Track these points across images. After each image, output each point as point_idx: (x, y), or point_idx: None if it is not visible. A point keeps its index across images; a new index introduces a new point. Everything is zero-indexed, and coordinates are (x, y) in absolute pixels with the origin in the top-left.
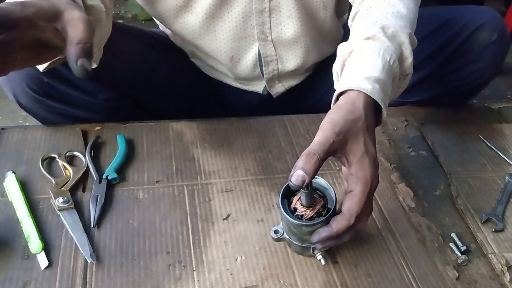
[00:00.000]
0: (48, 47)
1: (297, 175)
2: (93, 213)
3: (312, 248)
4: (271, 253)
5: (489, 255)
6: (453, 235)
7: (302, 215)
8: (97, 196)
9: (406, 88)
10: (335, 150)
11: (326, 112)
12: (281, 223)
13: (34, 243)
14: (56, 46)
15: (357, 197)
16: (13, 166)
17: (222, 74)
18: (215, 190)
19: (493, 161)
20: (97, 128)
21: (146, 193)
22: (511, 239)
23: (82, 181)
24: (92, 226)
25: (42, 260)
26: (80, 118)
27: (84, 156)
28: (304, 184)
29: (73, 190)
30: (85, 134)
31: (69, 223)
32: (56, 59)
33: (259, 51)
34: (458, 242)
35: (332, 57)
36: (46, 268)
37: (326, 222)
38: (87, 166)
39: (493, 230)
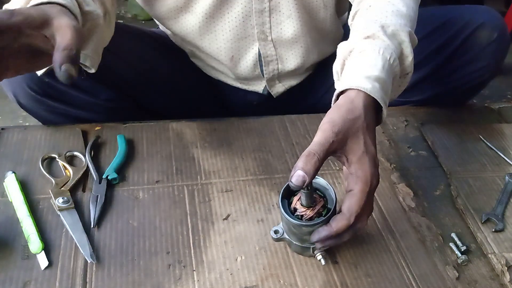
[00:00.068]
0: (40, 54)
1: (297, 176)
2: (93, 213)
3: (312, 248)
4: (271, 253)
5: (489, 255)
6: (453, 235)
7: (302, 215)
8: (97, 196)
9: (406, 87)
10: (335, 150)
11: (326, 112)
12: (281, 223)
13: (34, 243)
14: (48, 53)
15: (357, 196)
16: (13, 166)
17: (222, 74)
18: (215, 190)
19: (493, 161)
20: (97, 128)
21: (146, 193)
22: (511, 239)
23: (82, 181)
24: (92, 226)
25: (42, 260)
26: (80, 118)
27: (84, 156)
28: (305, 185)
29: (73, 190)
30: (85, 134)
31: (69, 223)
32: (50, 66)
33: (259, 51)
34: (458, 242)
35: (332, 57)
36: (46, 268)
37: (326, 222)
38: (87, 166)
39: (493, 230)
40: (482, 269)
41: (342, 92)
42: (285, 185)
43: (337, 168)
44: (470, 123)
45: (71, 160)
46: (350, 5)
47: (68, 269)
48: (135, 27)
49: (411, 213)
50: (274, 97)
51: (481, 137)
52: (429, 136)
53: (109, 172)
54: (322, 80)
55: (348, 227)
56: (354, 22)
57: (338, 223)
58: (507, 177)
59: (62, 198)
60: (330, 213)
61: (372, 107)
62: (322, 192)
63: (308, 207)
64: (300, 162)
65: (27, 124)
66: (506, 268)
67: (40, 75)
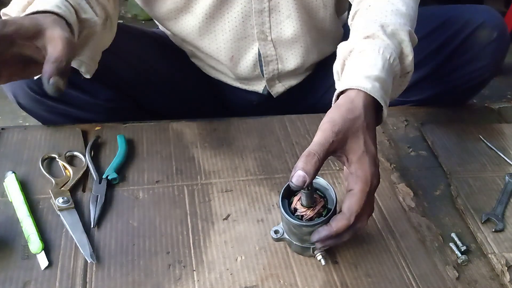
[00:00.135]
0: (33, 62)
1: (297, 176)
2: (93, 213)
3: (312, 248)
4: (271, 253)
5: (489, 255)
6: (453, 235)
7: (302, 216)
8: (97, 196)
9: (407, 87)
10: (335, 150)
11: (326, 112)
12: (281, 223)
13: (34, 243)
14: (41, 62)
15: (357, 196)
16: (13, 166)
17: (222, 74)
18: (215, 190)
19: (493, 161)
20: (97, 128)
21: (146, 193)
22: (511, 239)
23: (82, 181)
24: (92, 226)
25: (42, 260)
26: (80, 118)
27: (84, 156)
28: (305, 185)
29: (73, 190)
30: (85, 134)
31: (69, 223)
32: None
33: (259, 51)
34: (458, 242)
35: (332, 57)
36: (46, 268)
37: (326, 223)
38: (87, 166)
39: (493, 230)
40: (482, 269)
41: (342, 92)
42: (285, 185)
43: (337, 168)
44: (470, 123)
45: (71, 160)
46: (350, 5)
47: (68, 269)
48: (135, 27)
49: (411, 213)
50: (274, 97)
51: (481, 137)
52: (429, 136)
53: (109, 172)
54: (322, 80)
55: (348, 227)
56: (354, 22)
57: (338, 223)
58: (507, 177)
59: (62, 198)
60: (330, 213)
61: (372, 107)
62: (323, 192)
63: (308, 207)
64: (300, 162)
65: (27, 124)
66: (506, 268)
67: (40, 75)
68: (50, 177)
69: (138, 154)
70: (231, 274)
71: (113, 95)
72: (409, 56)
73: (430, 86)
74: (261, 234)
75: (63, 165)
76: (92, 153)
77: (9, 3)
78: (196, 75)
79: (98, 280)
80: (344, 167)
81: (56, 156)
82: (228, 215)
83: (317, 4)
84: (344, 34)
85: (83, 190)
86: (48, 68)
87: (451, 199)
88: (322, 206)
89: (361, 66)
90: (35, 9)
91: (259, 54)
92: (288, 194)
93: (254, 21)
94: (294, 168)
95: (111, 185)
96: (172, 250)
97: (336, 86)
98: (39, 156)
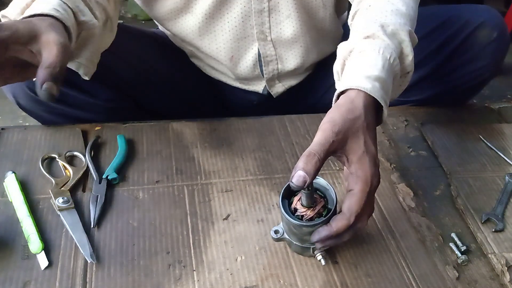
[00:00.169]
0: (29, 66)
1: (298, 176)
2: (93, 213)
3: (312, 248)
4: (271, 253)
5: (489, 255)
6: (453, 235)
7: (302, 216)
8: (97, 196)
9: (407, 87)
10: (335, 150)
11: (327, 112)
12: (281, 223)
13: (34, 243)
14: (37, 66)
15: (357, 196)
16: (13, 166)
17: (222, 74)
18: (215, 190)
19: (493, 161)
20: (97, 128)
21: (146, 193)
22: (511, 239)
23: (82, 181)
24: (92, 226)
25: (42, 260)
26: (80, 119)
27: (84, 156)
28: (305, 185)
29: (73, 190)
30: (85, 134)
31: (69, 223)
32: None
33: (258, 51)
34: (458, 242)
35: (332, 56)
36: (46, 268)
37: (327, 223)
38: (87, 166)
39: (493, 230)
40: (482, 269)
41: (342, 92)
42: (285, 185)
43: (337, 168)
44: (470, 123)
45: (71, 160)
46: (350, 5)
47: (68, 269)
48: (135, 27)
49: (411, 213)
50: (274, 97)
51: (481, 137)
52: (429, 136)
53: (109, 172)
54: (322, 80)
55: (348, 227)
56: (354, 22)
57: (338, 223)
58: (507, 177)
59: (62, 198)
60: (330, 213)
61: (373, 107)
62: (323, 192)
63: (308, 207)
64: (300, 162)
65: (27, 124)
66: (506, 268)
67: None
68: (50, 177)
69: (138, 154)
70: (231, 274)
71: (113, 95)
72: (409, 56)
73: (430, 86)
74: (261, 234)
75: (63, 165)
76: (92, 153)
77: (9, 3)
78: (196, 75)
79: (98, 280)
80: (344, 167)
81: (56, 156)
82: (228, 215)
83: (317, 4)
84: (344, 34)
85: (83, 190)
86: (41, 73)
87: (451, 199)
88: (322, 206)
89: (361, 66)
90: (32, 12)
91: (259, 54)
92: (288, 194)
93: (253, 21)
94: (294, 168)
95: (111, 185)
96: (172, 250)
97: (336, 86)
98: (39, 156)
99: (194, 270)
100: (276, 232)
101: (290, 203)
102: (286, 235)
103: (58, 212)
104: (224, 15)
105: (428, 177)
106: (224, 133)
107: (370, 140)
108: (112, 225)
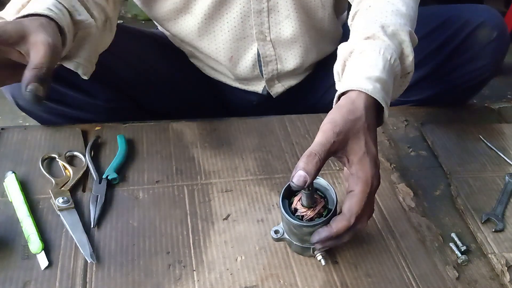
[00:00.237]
0: (23, 66)
1: (298, 176)
2: (93, 213)
3: (312, 248)
4: (271, 253)
5: (489, 255)
6: (453, 235)
7: (302, 216)
8: (97, 196)
9: (407, 87)
10: (336, 150)
11: (326, 112)
12: (281, 223)
13: (34, 243)
14: None
15: (357, 197)
16: (13, 166)
17: (221, 74)
18: (215, 190)
19: (493, 161)
20: (97, 128)
21: (146, 193)
22: (511, 239)
23: (82, 181)
24: (92, 226)
25: (42, 260)
26: (80, 119)
27: (84, 156)
28: (306, 185)
29: (73, 190)
30: (85, 134)
31: (69, 223)
32: None
33: (258, 51)
34: (458, 242)
35: (332, 56)
36: (46, 268)
37: (327, 223)
38: (87, 166)
39: (493, 230)
40: (482, 269)
41: (343, 93)
42: (285, 185)
43: (337, 168)
44: (470, 123)
45: (71, 160)
46: (349, 5)
47: (68, 269)
48: (134, 27)
49: (411, 213)
50: (274, 97)
51: (481, 137)
52: (429, 136)
53: (109, 172)
54: (321, 80)
55: (349, 228)
56: (354, 22)
57: (338, 224)
58: (507, 177)
59: (62, 198)
60: (330, 213)
61: (373, 108)
62: (323, 193)
63: (308, 207)
64: (301, 162)
65: (27, 124)
66: (506, 268)
67: None
68: (50, 177)
69: (138, 154)
70: (231, 274)
71: (113, 95)
72: (410, 57)
73: (430, 86)
74: (261, 234)
75: (63, 165)
76: (92, 153)
77: (8, 3)
78: (196, 75)
79: (98, 280)
80: (345, 168)
81: (56, 156)
82: (228, 215)
83: (316, 4)
84: (344, 34)
85: (83, 190)
86: (27, 74)
87: (451, 199)
88: (323, 206)
89: (362, 67)
90: (26, 12)
91: (258, 55)
92: (289, 194)
93: (253, 21)
94: (295, 168)
95: (111, 185)
96: (172, 250)
97: (337, 87)
98: (39, 156)
99: (194, 270)
100: (276, 232)
101: (290, 203)
102: (286, 235)
103: (58, 212)
104: (223, 16)
105: (428, 177)
106: (224, 133)
107: (370, 141)
108: (112, 225)
